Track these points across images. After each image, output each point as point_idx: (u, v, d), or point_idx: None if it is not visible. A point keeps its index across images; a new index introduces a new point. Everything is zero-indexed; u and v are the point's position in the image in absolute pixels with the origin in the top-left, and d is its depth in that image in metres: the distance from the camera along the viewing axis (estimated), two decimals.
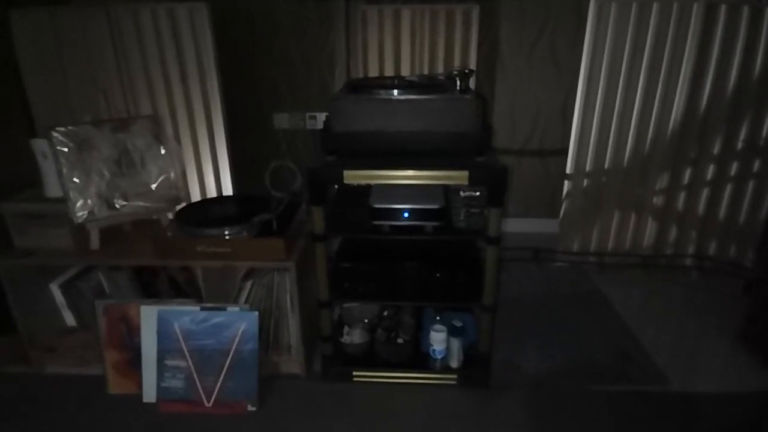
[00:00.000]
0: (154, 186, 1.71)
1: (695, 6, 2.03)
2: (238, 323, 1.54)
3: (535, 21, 2.43)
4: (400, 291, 1.60)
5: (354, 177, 1.42)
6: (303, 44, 2.51)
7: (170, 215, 1.76)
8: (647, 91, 2.16)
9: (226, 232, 1.56)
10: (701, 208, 2.32)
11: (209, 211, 1.74)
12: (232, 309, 1.56)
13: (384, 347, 1.69)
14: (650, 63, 2.12)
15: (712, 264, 2.38)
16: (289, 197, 1.71)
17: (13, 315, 1.64)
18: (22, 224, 1.63)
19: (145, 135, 1.71)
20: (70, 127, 1.56)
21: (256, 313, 1.54)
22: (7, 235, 1.65)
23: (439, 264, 1.59)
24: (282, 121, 2.64)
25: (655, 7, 2.05)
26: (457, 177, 1.39)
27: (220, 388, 1.53)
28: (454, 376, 1.63)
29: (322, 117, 2.61)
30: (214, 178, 2.24)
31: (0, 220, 1.63)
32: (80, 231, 1.63)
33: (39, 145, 1.59)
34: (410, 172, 1.40)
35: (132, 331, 1.60)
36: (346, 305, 1.79)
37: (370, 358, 1.69)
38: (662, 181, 2.29)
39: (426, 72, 2.31)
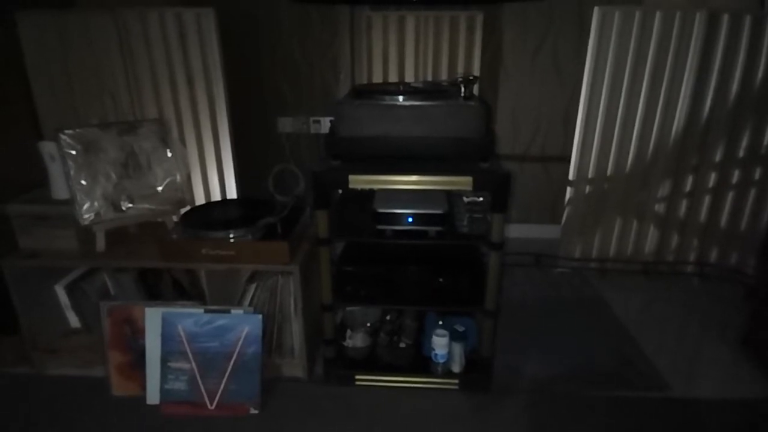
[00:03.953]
0: (159, 188, 1.73)
1: (698, 15, 2.05)
2: (242, 326, 1.54)
3: (538, 28, 2.45)
4: (402, 295, 1.61)
5: (359, 181, 1.43)
6: (307, 49, 2.53)
7: (175, 218, 1.77)
8: (649, 98, 2.18)
9: (231, 235, 1.57)
10: (703, 215, 2.33)
11: (214, 214, 1.75)
12: (236, 311, 1.57)
13: (386, 351, 1.70)
14: (653, 70, 2.13)
15: (713, 270, 2.39)
16: (293, 201, 1.72)
17: (16, 316, 1.65)
18: (28, 225, 1.65)
19: (152, 138, 1.72)
20: (77, 130, 1.58)
21: (260, 315, 1.55)
22: (13, 236, 1.66)
23: (441, 268, 1.60)
24: (286, 125, 2.66)
25: (657, 15, 2.06)
26: (462, 182, 1.40)
27: (223, 390, 1.54)
28: (456, 381, 1.64)
29: (325, 121, 2.63)
30: (218, 181, 2.25)
31: (6, 221, 1.65)
32: (86, 233, 1.64)
33: (47, 147, 1.61)
34: (414, 177, 1.41)
35: (136, 333, 1.61)
36: (348, 309, 1.80)
37: (372, 362, 1.70)
38: (664, 188, 2.30)
39: (430, 78, 2.32)
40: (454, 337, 1.62)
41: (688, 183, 2.29)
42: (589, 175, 2.32)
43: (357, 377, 1.66)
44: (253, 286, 1.66)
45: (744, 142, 2.21)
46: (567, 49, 2.47)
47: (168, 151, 1.76)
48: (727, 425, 1.52)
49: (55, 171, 1.63)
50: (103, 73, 2.06)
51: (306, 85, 2.60)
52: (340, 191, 1.81)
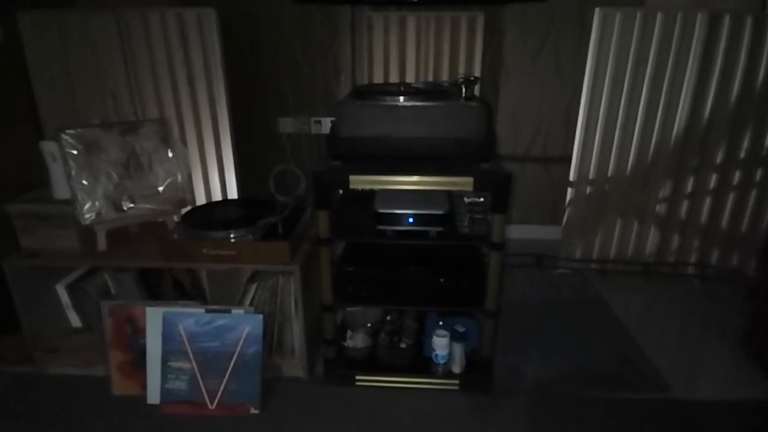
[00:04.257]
0: (161, 188, 1.73)
1: (699, 16, 2.05)
2: (243, 326, 1.55)
3: (539, 29, 2.45)
4: (403, 295, 1.61)
5: (359, 182, 1.43)
6: (309, 49, 2.54)
7: (176, 218, 1.77)
8: (650, 99, 2.18)
9: (232, 235, 1.57)
10: (704, 216, 2.33)
11: (215, 214, 1.76)
12: (237, 311, 1.57)
13: (386, 351, 1.70)
14: (654, 71, 2.13)
15: (714, 272, 2.39)
16: (294, 201, 1.72)
17: (17, 315, 1.65)
18: (29, 225, 1.65)
19: (153, 138, 1.73)
20: (78, 130, 1.58)
21: (261, 315, 1.55)
22: (14, 236, 1.66)
23: (442, 269, 1.60)
24: (287, 125, 2.66)
25: (659, 16, 2.06)
26: (462, 183, 1.40)
27: (223, 390, 1.54)
28: (456, 381, 1.64)
29: (326, 121, 2.63)
30: (219, 181, 2.25)
31: (7, 221, 1.65)
32: (87, 232, 1.64)
33: (48, 146, 1.61)
34: (415, 178, 1.41)
35: (137, 333, 1.61)
36: (349, 309, 1.80)
37: (372, 362, 1.70)
38: (665, 190, 2.30)
39: (431, 78, 2.32)
40: (455, 337, 1.62)
41: (689, 184, 2.29)
42: (590, 176, 2.32)
43: (357, 377, 1.66)
44: (254, 286, 1.66)
45: (745, 144, 2.21)
46: (568, 50, 2.48)
47: (169, 151, 1.76)
48: (727, 426, 1.52)
49: (56, 171, 1.64)
50: (105, 73, 2.07)
51: (307, 86, 2.60)
52: (341, 191, 1.82)
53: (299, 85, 2.60)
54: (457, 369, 1.64)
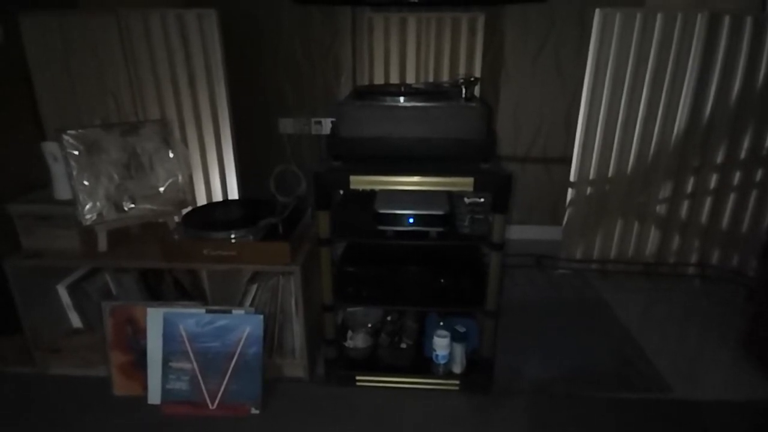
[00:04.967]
0: (162, 189, 1.73)
1: (699, 16, 2.05)
2: (243, 326, 1.55)
3: (540, 30, 2.46)
4: (403, 296, 1.61)
5: (360, 182, 1.43)
6: (309, 50, 2.54)
7: (177, 218, 1.78)
8: (651, 99, 2.18)
9: (232, 236, 1.57)
10: (704, 216, 2.33)
11: (215, 215, 1.76)
12: (237, 312, 1.57)
13: (387, 352, 1.70)
14: (654, 72, 2.14)
15: (714, 272, 2.39)
16: (294, 201, 1.72)
17: (18, 315, 1.66)
18: (30, 225, 1.65)
19: (154, 138, 1.73)
20: (80, 130, 1.58)
21: (261, 316, 1.55)
22: (15, 236, 1.67)
23: (442, 269, 1.60)
24: (287, 125, 2.66)
25: (659, 17, 2.07)
26: (463, 183, 1.41)
27: (224, 390, 1.54)
28: (457, 382, 1.64)
29: (327, 122, 2.63)
30: (220, 181, 2.25)
31: (8, 221, 1.65)
32: (88, 233, 1.65)
33: (49, 147, 1.61)
34: (416, 178, 1.41)
35: (138, 333, 1.61)
36: (349, 309, 1.80)
37: (373, 363, 1.70)
38: (665, 190, 2.30)
39: (431, 79, 2.33)
40: (455, 337, 1.62)
41: (690, 184, 2.29)
42: (591, 177, 2.32)
43: (358, 378, 1.66)
44: (255, 286, 1.66)
45: (745, 144, 2.21)
46: (568, 50, 2.48)
47: (170, 151, 1.76)
48: (727, 427, 1.52)
49: (57, 171, 1.64)
50: (106, 74, 2.07)
51: (308, 86, 2.61)
52: (342, 192, 1.82)
53: (299, 85, 2.60)
54: (457, 369, 1.65)
